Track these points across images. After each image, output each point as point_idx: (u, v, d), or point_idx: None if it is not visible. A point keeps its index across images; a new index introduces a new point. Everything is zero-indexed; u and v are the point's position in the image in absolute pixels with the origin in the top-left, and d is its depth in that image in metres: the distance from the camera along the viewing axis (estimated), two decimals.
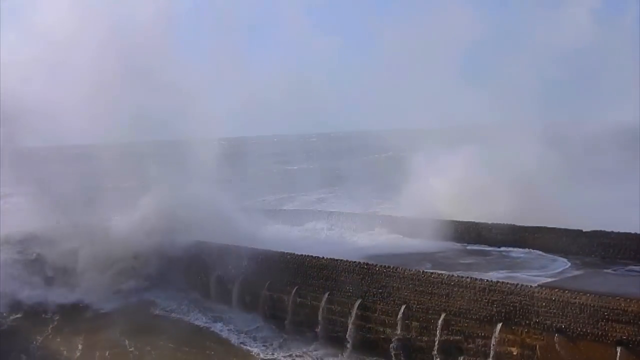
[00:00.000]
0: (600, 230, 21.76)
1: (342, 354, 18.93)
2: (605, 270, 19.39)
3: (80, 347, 21.24)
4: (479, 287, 16.56)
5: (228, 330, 22.02)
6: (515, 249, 23.38)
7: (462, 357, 16.86)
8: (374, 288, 18.68)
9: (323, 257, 20.24)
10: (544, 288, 15.78)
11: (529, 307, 15.68)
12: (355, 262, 19.41)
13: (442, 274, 17.62)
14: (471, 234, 25.23)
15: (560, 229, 22.99)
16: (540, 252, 22.48)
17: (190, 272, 25.24)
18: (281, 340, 20.56)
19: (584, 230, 22.16)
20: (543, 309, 15.45)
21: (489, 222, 24.97)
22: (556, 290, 15.49)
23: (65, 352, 20.91)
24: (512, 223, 24.13)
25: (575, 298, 15.01)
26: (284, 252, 21.65)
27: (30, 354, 20.94)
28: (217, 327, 22.35)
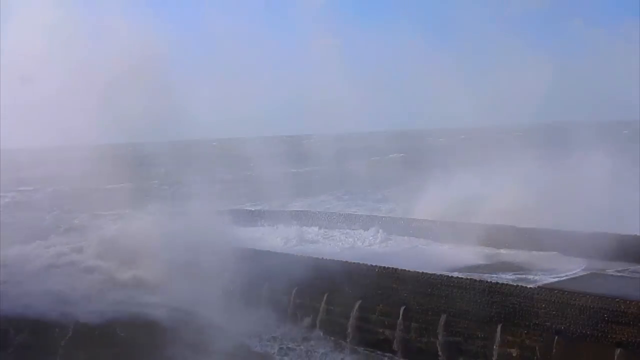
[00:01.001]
0: (601, 232, 21.73)
1: (342, 354, 18.93)
2: (606, 272, 19.37)
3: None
4: (479, 289, 16.55)
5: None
6: (519, 251, 23.37)
7: (461, 359, 16.84)
8: (374, 289, 18.66)
9: (323, 258, 20.23)
10: (543, 290, 15.78)
11: (529, 308, 15.67)
12: (355, 263, 19.41)
13: (441, 275, 17.61)
14: (480, 236, 25.16)
15: (561, 231, 22.96)
16: (555, 253, 22.45)
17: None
18: (279, 337, 20.58)
19: (584, 232, 22.11)
20: (543, 311, 15.44)
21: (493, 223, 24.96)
22: (556, 291, 15.48)
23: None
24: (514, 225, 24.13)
25: (575, 300, 15.00)
26: (285, 254, 21.66)
27: None
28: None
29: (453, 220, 26.57)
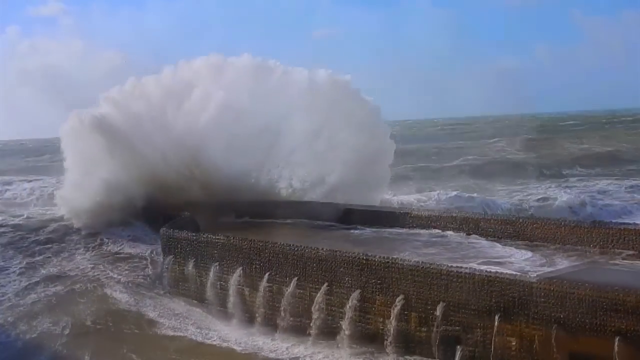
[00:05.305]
0: (600, 222, 21.78)
1: (339, 345, 18.97)
2: (604, 262, 19.41)
3: None
4: (478, 279, 16.59)
5: None
6: (515, 241, 23.35)
7: (460, 348, 16.91)
8: (373, 280, 18.69)
9: (322, 249, 20.23)
10: (542, 280, 15.83)
11: (528, 298, 15.72)
12: (354, 254, 19.41)
13: (440, 266, 17.63)
14: (470, 225, 25.16)
15: (559, 220, 22.96)
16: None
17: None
18: (278, 331, 20.64)
19: (582, 221, 22.15)
20: (542, 301, 15.49)
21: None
22: (555, 282, 15.53)
23: None
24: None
25: (574, 290, 15.05)
26: (283, 243, 21.57)
27: None
28: None
29: None
